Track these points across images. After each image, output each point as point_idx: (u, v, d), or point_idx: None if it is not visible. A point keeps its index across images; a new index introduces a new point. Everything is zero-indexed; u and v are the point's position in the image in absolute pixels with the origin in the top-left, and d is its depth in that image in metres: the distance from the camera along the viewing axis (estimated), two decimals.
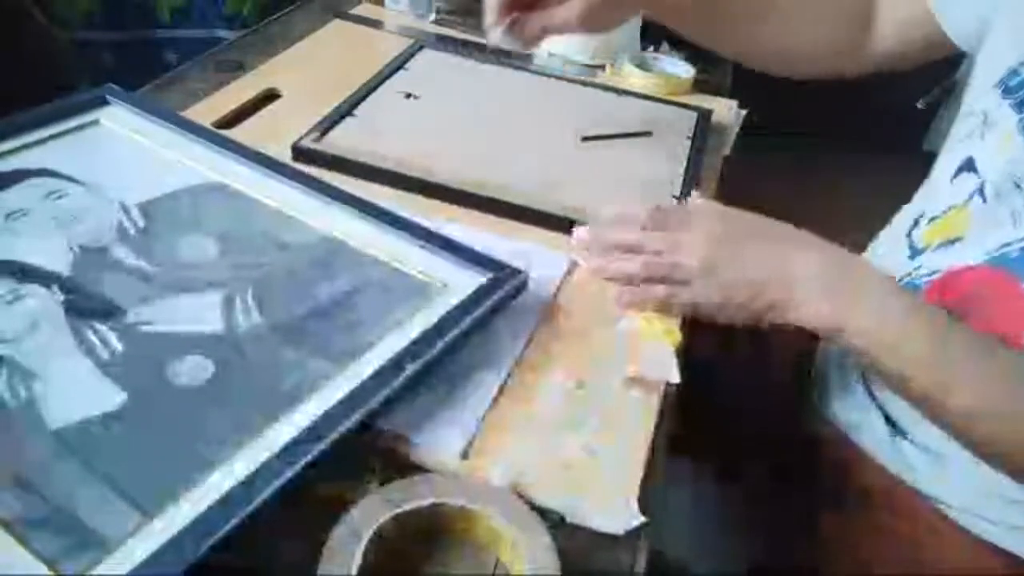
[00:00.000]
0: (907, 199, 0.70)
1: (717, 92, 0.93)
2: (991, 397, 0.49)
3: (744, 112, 0.90)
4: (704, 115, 0.84)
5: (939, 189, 0.63)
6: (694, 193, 0.64)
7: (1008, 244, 0.54)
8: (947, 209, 0.61)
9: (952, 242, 0.58)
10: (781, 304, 0.52)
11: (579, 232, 0.60)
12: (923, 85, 1.09)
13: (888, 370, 0.52)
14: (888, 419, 0.64)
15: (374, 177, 0.67)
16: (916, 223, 0.65)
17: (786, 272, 0.52)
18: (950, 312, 0.54)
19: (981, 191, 0.57)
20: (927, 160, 0.68)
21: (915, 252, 0.63)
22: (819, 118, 1.95)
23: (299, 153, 0.68)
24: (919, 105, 1.08)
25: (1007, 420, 0.49)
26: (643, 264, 0.55)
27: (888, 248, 0.69)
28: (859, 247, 0.76)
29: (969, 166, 0.59)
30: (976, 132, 0.60)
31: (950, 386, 0.49)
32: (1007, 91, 0.57)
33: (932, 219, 0.62)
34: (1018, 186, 0.54)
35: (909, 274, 0.62)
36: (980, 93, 0.61)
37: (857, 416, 0.66)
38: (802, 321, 0.52)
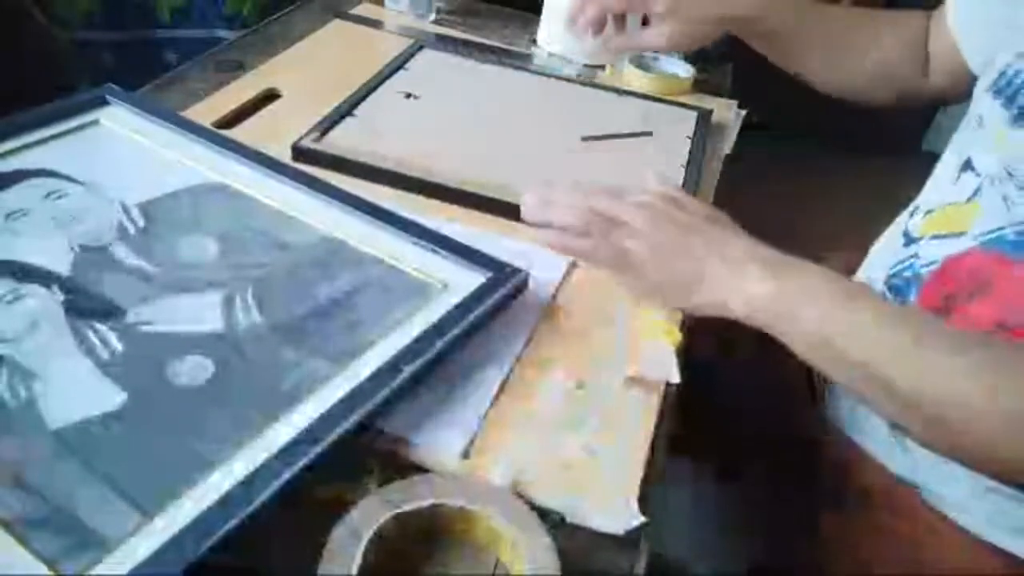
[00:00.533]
0: (906, 199, 0.70)
1: (717, 92, 0.93)
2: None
3: (744, 112, 0.90)
4: (704, 115, 0.84)
5: (938, 185, 0.65)
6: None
7: (1001, 228, 0.56)
8: (947, 205, 0.62)
9: (957, 235, 0.59)
10: (715, 307, 0.53)
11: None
12: None
13: (833, 362, 0.51)
14: None
15: (374, 177, 0.67)
16: (912, 214, 0.67)
17: (720, 276, 0.52)
18: (952, 296, 0.56)
19: (982, 188, 0.59)
20: (927, 161, 0.69)
21: (910, 240, 0.64)
22: (819, 118, 1.94)
23: (299, 153, 0.68)
24: None
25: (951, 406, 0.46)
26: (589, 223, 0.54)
27: (885, 237, 0.71)
28: (858, 246, 0.76)
29: (968, 166, 0.61)
30: (973, 134, 0.62)
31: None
32: (997, 92, 0.60)
33: (928, 212, 0.64)
34: (1010, 174, 0.56)
35: (903, 261, 0.63)
36: (977, 99, 0.63)
37: (858, 415, 0.66)
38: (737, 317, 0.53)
